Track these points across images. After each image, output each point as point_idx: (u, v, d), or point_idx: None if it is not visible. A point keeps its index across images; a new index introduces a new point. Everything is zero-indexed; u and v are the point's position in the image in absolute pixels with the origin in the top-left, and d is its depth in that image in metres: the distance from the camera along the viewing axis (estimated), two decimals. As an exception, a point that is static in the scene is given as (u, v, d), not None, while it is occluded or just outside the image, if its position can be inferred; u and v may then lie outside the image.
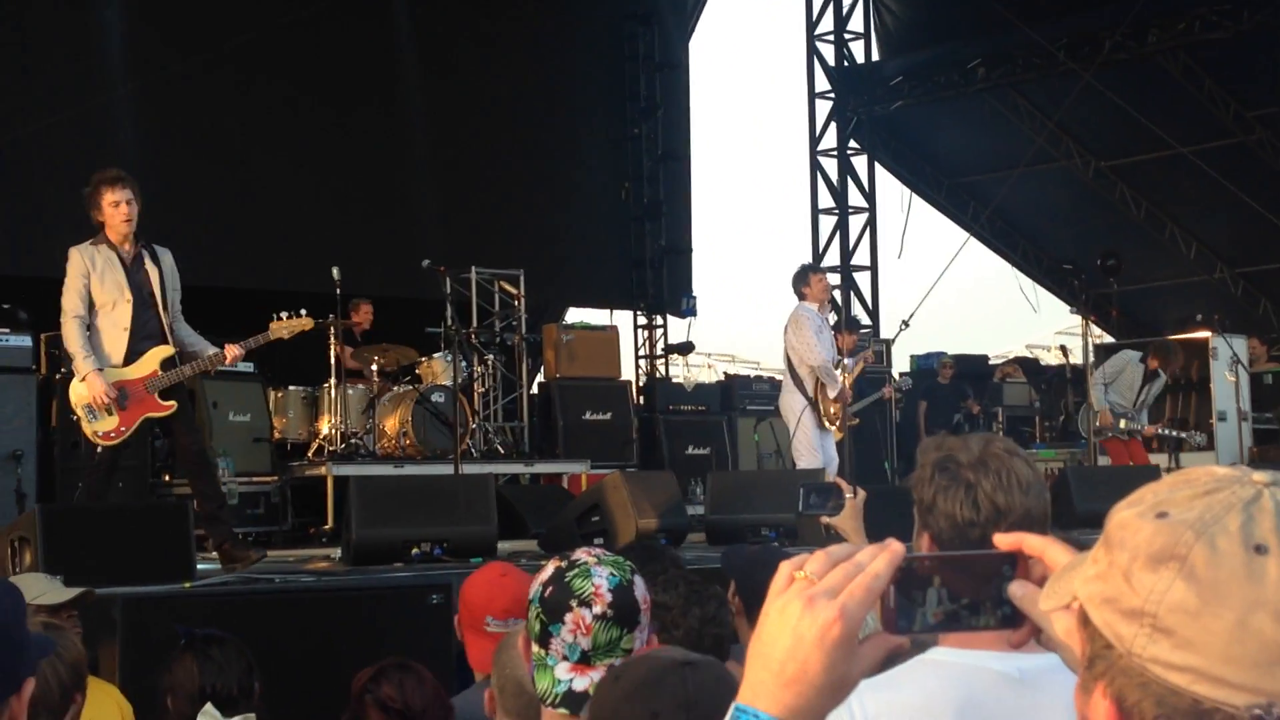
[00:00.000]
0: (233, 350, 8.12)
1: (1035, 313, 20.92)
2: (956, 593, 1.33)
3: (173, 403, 7.91)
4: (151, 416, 7.91)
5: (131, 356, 7.87)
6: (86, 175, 13.50)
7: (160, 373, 7.88)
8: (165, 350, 7.94)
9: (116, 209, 7.84)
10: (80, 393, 7.80)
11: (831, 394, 11.06)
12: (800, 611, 1.31)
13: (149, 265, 7.95)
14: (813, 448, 11.11)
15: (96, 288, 7.82)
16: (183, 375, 8.01)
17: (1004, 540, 1.36)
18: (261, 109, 14.82)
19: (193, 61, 14.02)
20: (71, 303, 7.82)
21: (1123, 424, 13.41)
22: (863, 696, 2.24)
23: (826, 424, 11.13)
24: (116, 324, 7.85)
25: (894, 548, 1.33)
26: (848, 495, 3.96)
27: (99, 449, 7.86)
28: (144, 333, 7.92)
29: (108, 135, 13.77)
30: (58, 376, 10.97)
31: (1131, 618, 1.11)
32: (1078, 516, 9.24)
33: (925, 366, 17.74)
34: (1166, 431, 13.84)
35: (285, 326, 8.55)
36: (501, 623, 4.07)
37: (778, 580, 1.35)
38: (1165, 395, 15.21)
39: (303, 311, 8.63)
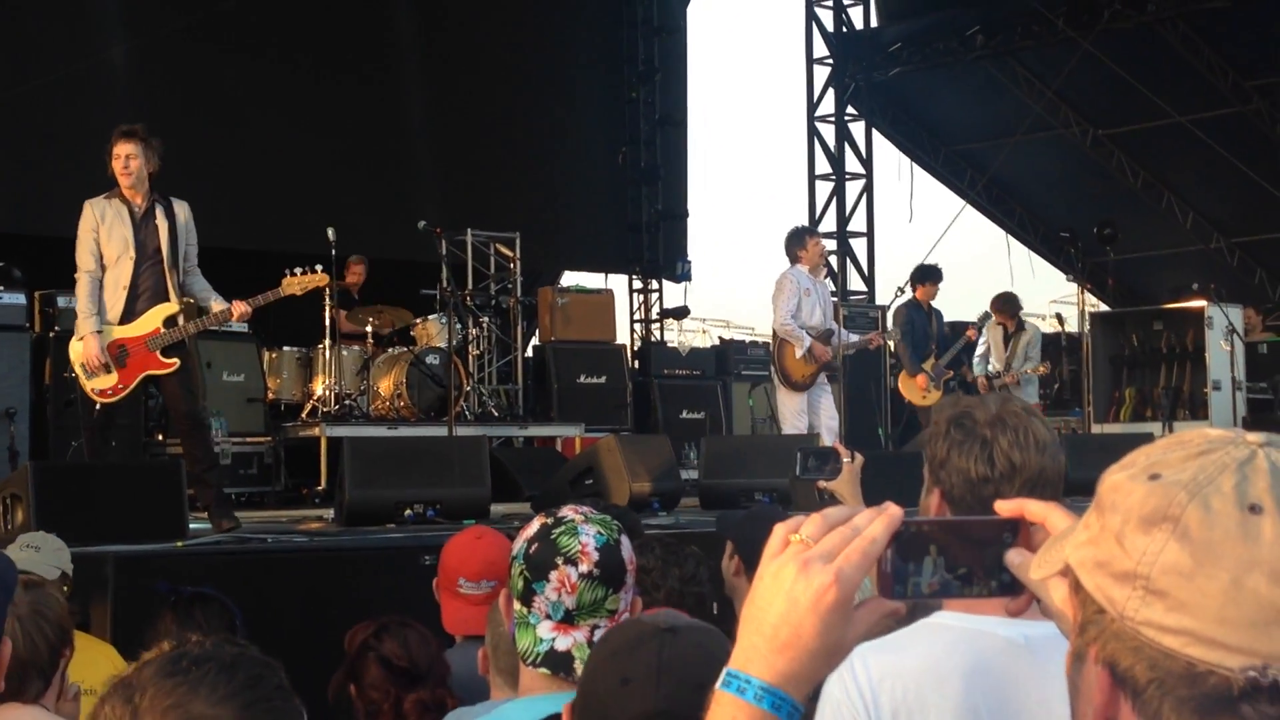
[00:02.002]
0: (239, 306, 8.04)
1: (1031, 279, 20.92)
2: (955, 559, 1.31)
3: (175, 360, 7.85)
4: (152, 374, 7.89)
5: (129, 315, 7.84)
6: (82, 133, 13.53)
7: (162, 330, 7.84)
8: (169, 308, 7.89)
9: (117, 162, 7.88)
10: (78, 350, 7.82)
11: (798, 353, 11.01)
12: (795, 575, 1.29)
13: (159, 219, 7.92)
14: (797, 412, 11.09)
15: (104, 241, 7.84)
16: (186, 332, 7.94)
17: (1005, 506, 1.33)
18: (257, 68, 14.75)
19: (189, 20, 13.94)
20: (81, 258, 7.85)
21: (997, 382, 13.87)
22: (866, 659, 2.22)
23: (790, 384, 11.11)
24: (118, 281, 7.84)
25: (892, 511, 1.31)
26: (845, 460, 3.93)
27: (97, 406, 7.86)
28: (144, 290, 7.89)
29: (104, 93, 13.71)
30: (52, 334, 10.96)
31: (1124, 581, 1.09)
32: (1071, 484, 9.22)
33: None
34: (996, 377, 13.94)
35: (298, 282, 8.51)
36: (474, 584, 4.08)
37: (772, 543, 1.33)
38: (1160, 364, 15.23)
39: (318, 267, 8.61)
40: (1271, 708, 1.04)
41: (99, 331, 7.77)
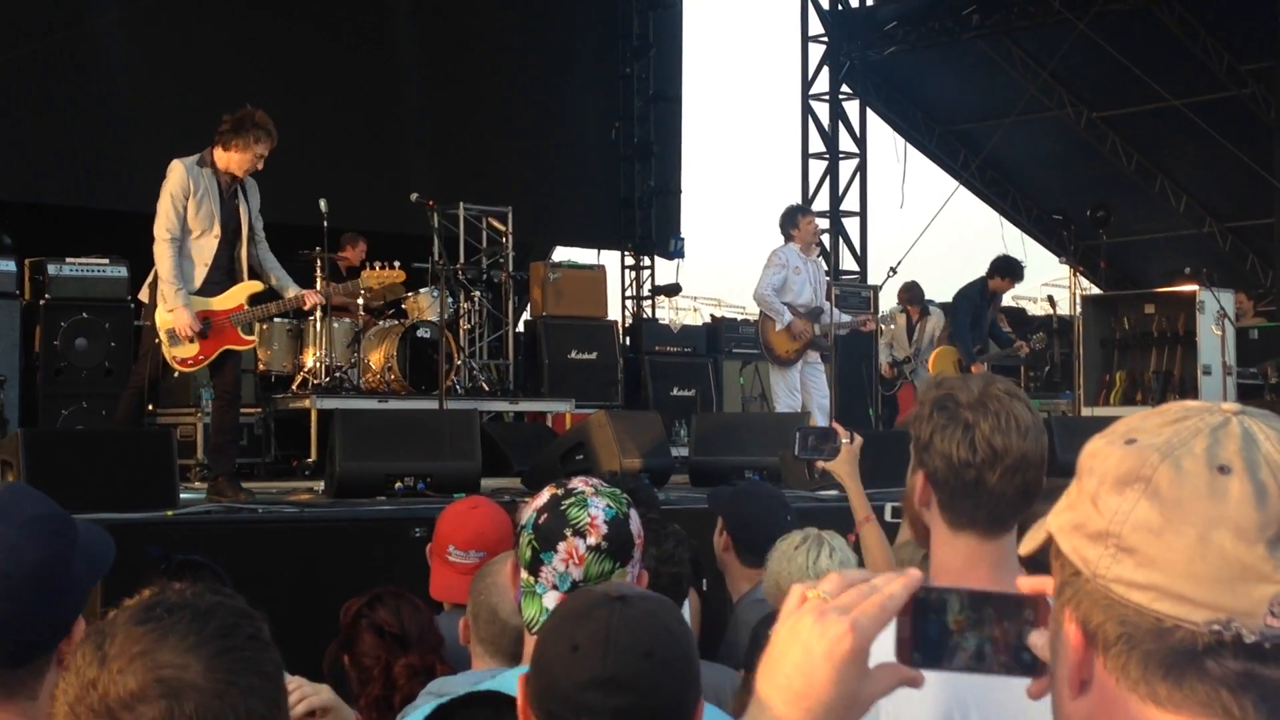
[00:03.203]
0: (312, 297, 8.18)
1: (1023, 261, 20.90)
2: (975, 630, 1.29)
3: (254, 339, 8.11)
4: (231, 349, 7.98)
5: (204, 289, 7.90)
6: (71, 100, 13.49)
7: (246, 307, 7.96)
8: (254, 285, 8.02)
9: (250, 156, 7.98)
10: (166, 318, 7.85)
11: (777, 327, 11.01)
12: (811, 625, 1.29)
13: (241, 199, 8.00)
14: (789, 390, 11.09)
15: (191, 212, 7.81)
16: (267, 312, 8.17)
17: (1027, 584, 1.30)
18: (250, 38, 14.69)
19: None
20: (169, 222, 7.79)
21: (902, 369, 14.52)
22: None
23: (776, 359, 11.11)
24: (200, 257, 7.88)
25: (912, 573, 1.31)
26: (844, 440, 3.92)
27: (175, 374, 8.07)
28: (221, 266, 7.95)
29: (93, 60, 13.67)
30: (42, 301, 10.94)
31: (1097, 540, 1.13)
32: (1060, 466, 9.22)
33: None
34: (905, 363, 14.22)
35: (376, 277, 8.79)
36: (463, 553, 4.11)
37: (790, 601, 1.33)
38: (1151, 348, 15.25)
39: (396, 264, 8.75)
40: (1235, 662, 1.07)
41: (187, 304, 7.81)
